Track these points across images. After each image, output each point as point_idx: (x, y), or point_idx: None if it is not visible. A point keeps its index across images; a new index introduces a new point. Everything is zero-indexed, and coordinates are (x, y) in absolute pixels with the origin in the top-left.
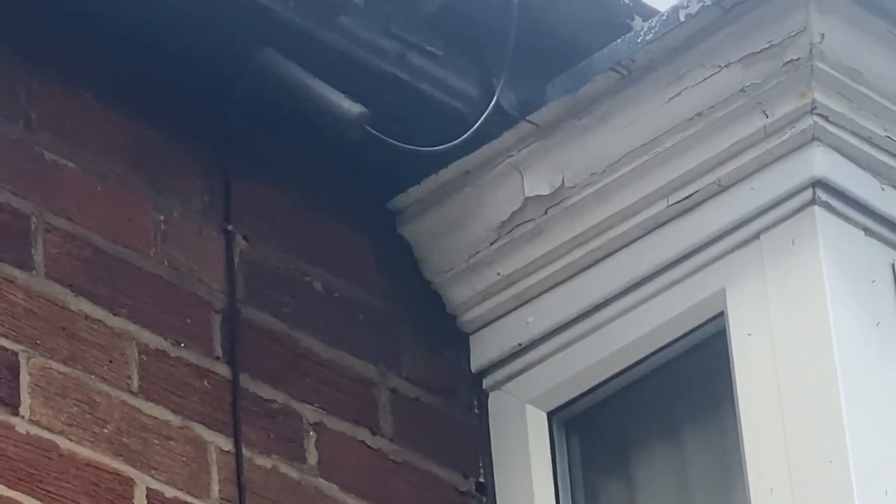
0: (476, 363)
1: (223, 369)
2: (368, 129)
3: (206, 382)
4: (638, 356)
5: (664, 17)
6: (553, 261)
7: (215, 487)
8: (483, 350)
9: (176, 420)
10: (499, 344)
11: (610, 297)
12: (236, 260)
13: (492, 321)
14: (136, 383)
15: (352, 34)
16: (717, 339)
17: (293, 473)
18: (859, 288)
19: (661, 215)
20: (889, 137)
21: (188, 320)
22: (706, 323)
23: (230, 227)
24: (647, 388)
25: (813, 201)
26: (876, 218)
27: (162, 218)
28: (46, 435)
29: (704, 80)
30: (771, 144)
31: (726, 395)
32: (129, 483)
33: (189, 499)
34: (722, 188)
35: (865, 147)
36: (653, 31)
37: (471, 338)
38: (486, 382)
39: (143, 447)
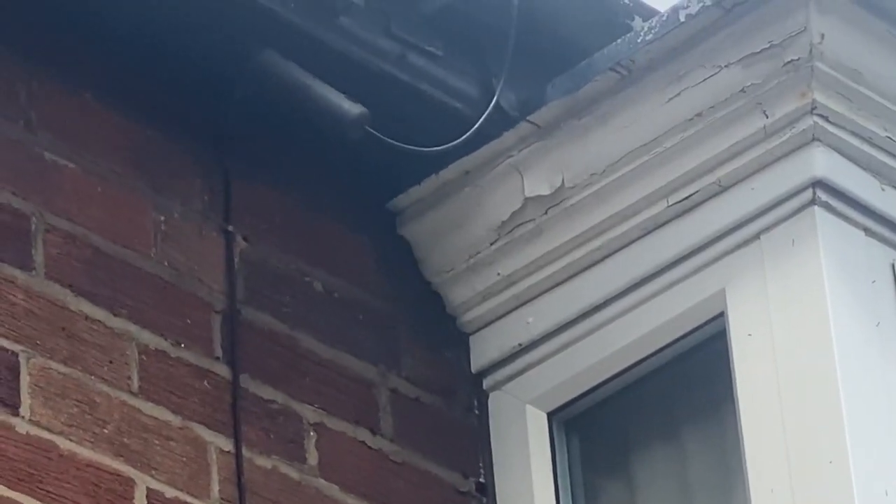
0: (476, 363)
1: (223, 370)
2: (368, 129)
3: (206, 383)
4: (638, 356)
5: (664, 18)
6: (553, 261)
7: (215, 488)
8: (483, 350)
9: (176, 420)
10: (499, 344)
11: (610, 297)
12: (236, 260)
13: (492, 321)
14: (136, 384)
15: (352, 35)
16: (718, 339)
17: (293, 474)
18: (859, 288)
19: (662, 215)
20: (889, 138)
21: (188, 321)
22: (706, 323)
23: (230, 228)
24: (647, 388)
25: (813, 201)
26: (876, 218)
27: (162, 218)
28: (46, 435)
29: (704, 80)
30: (771, 145)
31: (726, 396)
32: (129, 483)
33: (189, 499)
34: (722, 188)
35: (865, 147)
36: (653, 31)
37: (471, 338)
38: (486, 383)
39: (144, 447)
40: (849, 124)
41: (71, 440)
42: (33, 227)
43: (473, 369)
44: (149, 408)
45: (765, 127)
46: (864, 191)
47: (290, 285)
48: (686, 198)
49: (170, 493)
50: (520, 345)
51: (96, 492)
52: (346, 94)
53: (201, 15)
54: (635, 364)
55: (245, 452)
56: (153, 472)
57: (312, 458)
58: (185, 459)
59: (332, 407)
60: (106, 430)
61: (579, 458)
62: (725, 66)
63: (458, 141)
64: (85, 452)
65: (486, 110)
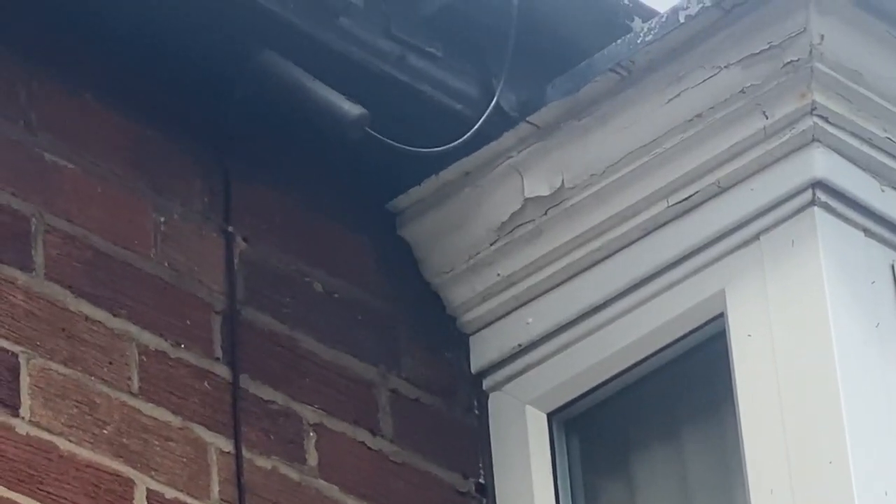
0: (476, 364)
1: (223, 370)
2: (368, 130)
3: (206, 383)
4: (638, 357)
5: (664, 19)
6: (553, 261)
7: (215, 488)
8: (483, 351)
9: (176, 421)
10: (499, 345)
11: (610, 297)
12: (236, 261)
13: (492, 322)
14: (136, 384)
15: (352, 35)
16: (717, 339)
17: (293, 474)
18: (859, 289)
19: (661, 216)
20: (889, 139)
21: (188, 321)
22: (706, 324)
23: (230, 228)
24: (647, 388)
25: (813, 202)
26: (876, 219)
27: (162, 219)
28: (46, 436)
29: (704, 81)
30: (771, 145)
31: (726, 396)
32: (129, 484)
33: (189, 500)
34: (722, 189)
35: (865, 148)
36: (652, 32)
37: (471, 338)
38: (486, 383)
39: (144, 448)
40: (848, 125)
41: (71, 441)
42: (33, 227)
43: (473, 370)
44: (149, 408)
45: (764, 128)
46: (864, 191)
47: (290, 286)
48: (686, 198)
49: (170, 493)
50: (520, 345)
51: (96, 492)
52: (346, 95)
53: (201, 15)
54: (635, 365)
55: (245, 453)
56: (153, 472)
57: (312, 458)
58: (185, 460)
59: (332, 407)
60: (106, 431)
61: (579, 458)
62: (725, 67)
63: (458, 142)
64: (85, 453)
65: (485, 111)
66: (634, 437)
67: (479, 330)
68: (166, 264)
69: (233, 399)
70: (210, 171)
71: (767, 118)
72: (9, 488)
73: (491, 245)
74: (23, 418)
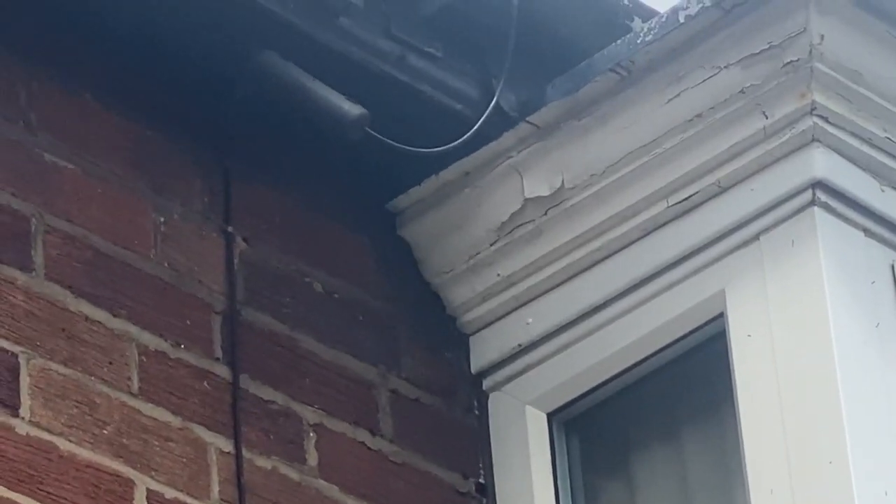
0: (476, 364)
1: (223, 370)
2: (368, 130)
3: (206, 384)
4: (638, 357)
5: (664, 19)
6: (553, 262)
7: (215, 489)
8: (483, 351)
9: (176, 421)
10: (499, 345)
11: (610, 298)
12: (236, 261)
13: (492, 322)
14: (136, 385)
15: (351, 36)
16: (717, 340)
17: (293, 474)
18: (859, 289)
19: (661, 216)
20: (889, 139)
21: (188, 321)
22: (706, 324)
23: (230, 229)
24: (647, 389)
25: (813, 202)
26: (876, 219)
27: (162, 219)
28: (46, 436)
29: (704, 81)
30: (771, 146)
31: (726, 397)
32: (129, 484)
33: (189, 500)
34: (722, 189)
35: (865, 148)
36: (652, 32)
37: (471, 339)
38: (486, 383)
39: (143, 448)
40: (848, 125)
41: (71, 441)
42: (33, 228)
43: (473, 370)
44: (149, 409)
45: (764, 128)
46: (864, 191)
47: (290, 286)
48: (686, 199)
49: (170, 493)
50: (519, 345)
51: (96, 493)
52: (346, 95)
53: (201, 16)
54: (635, 365)
55: (245, 453)
56: (153, 472)
57: (312, 458)
58: (185, 460)
59: (331, 407)
60: (106, 431)
61: (579, 458)
62: (725, 67)
63: (458, 142)
64: (85, 453)
65: (485, 111)
66: (634, 438)
67: (479, 330)
68: (166, 264)
69: (233, 399)
70: (210, 172)
71: (767, 118)
72: (9, 488)
73: (491, 245)
74: (23, 418)
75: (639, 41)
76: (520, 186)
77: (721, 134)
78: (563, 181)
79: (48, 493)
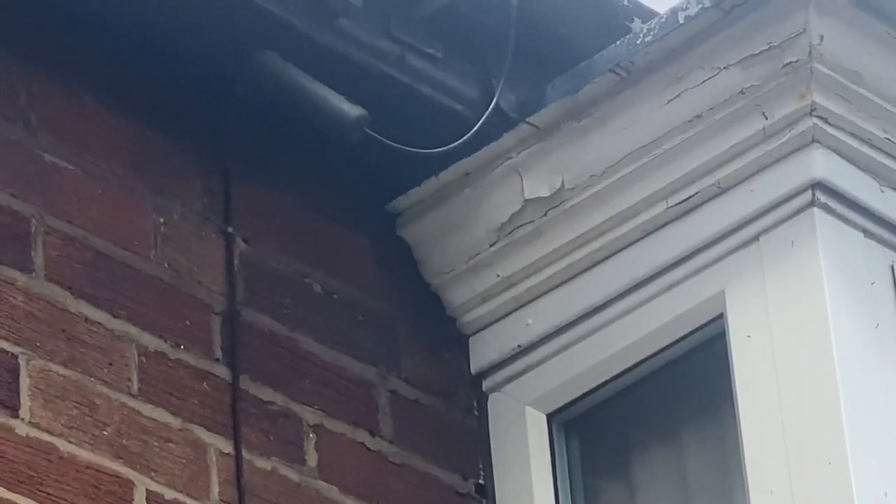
0: (476, 365)
1: (223, 371)
2: (368, 131)
3: (205, 384)
4: (638, 358)
5: (663, 19)
6: (553, 262)
7: (215, 489)
8: (483, 352)
9: (176, 422)
10: (498, 346)
11: (609, 298)
12: (236, 262)
13: (491, 323)
14: (135, 385)
15: (351, 36)
16: (717, 340)
17: (293, 475)
18: (859, 290)
19: (661, 217)
20: (888, 139)
21: (188, 322)
22: (706, 325)
23: (230, 229)
24: (646, 389)
25: (812, 203)
26: (875, 220)
27: (162, 220)
28: (46, 437)
29: (704, 81)
30: (770, 146)
31: (726, 397)
32: (128, 485)
33: (189, 501)
34: (721, 190)
35: (865, 149)
36: (652, 32)
37: (470, 339)
38: (485, 384)
39: (143, 449)
40: (848, 126)
41: (71, 442)
42: (33, 228)
43: (473, 371)
44: (148, 409)
45: (764, 128)
46: (864, 192)
47: (290, 287)
48: (685, 199)
49: (169, 494)
50: (519, 346)
51: (96, 494)
52: (346, 96)
53: (201, 16)
54: (635, 365)
55: (245, 454)
56: (153, 473)
57: (312, 459)
58: (184, 461)
59: (331, 408)
60: (106, 432)
61: (579, 459)
62: (725, 68)
63: (458, 142)
64: (85, 454)
65: (485, 112)
66: (634, 438)
67: (478, 331)
68: (166, 265)
69: (232, 400)
70: (210, 172)
71: (767, 119)
72: (9, 489)
73: (491, 246)
74: (22, 419)
75: (638, 42)
76: (520, 187)
77: (721, 135)
78: (562, 182)
79: (48, 493)
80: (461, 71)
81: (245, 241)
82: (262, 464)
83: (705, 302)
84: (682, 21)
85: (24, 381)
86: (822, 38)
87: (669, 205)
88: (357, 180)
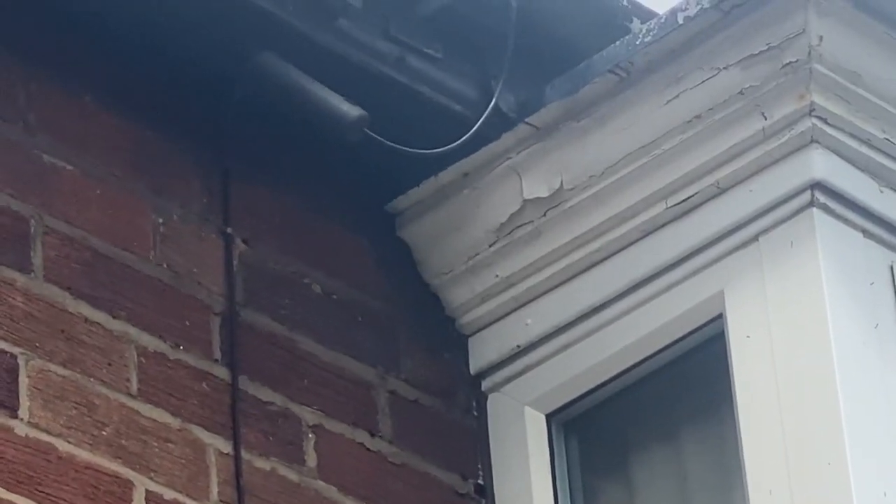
0: (475, 365)
1: (222, 372)
2: (367, 131)
3: (205, 385)
4: (637, 358)
5: (663, 20)
6: (552, 263)
7: (214, 490)
8: (482, 352)
9: (175, 422)
10: (498, 346)
11: (609, 299)
12: (235, 262)
13: (491, 323)
14: (135, 386)
15: (350, 37)
16: (716, 341)
17: (292, 476)
18: (858, 290)
19: (660, 217)
20: (888, 140)
21: (187, 323)
22: (705, 325)
23: (229, 230)
24: (646, 390)
25: (811, 203)
26: (874, 220)
27: (161, 220)
28: (45, 437)
29: (703, 82)
30: (769, 147)
31: (725, 398)
32: (127, 485)
33: (188, 501)
34: (721, 190)
35: (864, 149)
36: (651, 33)
37: (470, 340)
38: (484, 384)
39: (142, 449)
40: (847, 126)
41: (70, 442)
42: (32, 229)
43: (472, 371)
44: (148, 410)
45: (763, 129)
46: (863, 193)
47: (289, 287)
48: (685, 200)
49: (168, 495)
50: (518, 346)
51: (95, 494)
52: (345, 97)
53: (200, 17)
54: (634, 366)
55: (244, 454)
56: (152, 474)
57: (311, 459)
58: (183, 461)
59: (330, 409)
60: (105, 433)
61: (578, 459)
62: (724, 69)
63: (457, 143)
64: (84, 454)
65: (484, 112)
66: (633, 439)
67: (478, 331)
68: (165, 266)
69: (232, 400)
70: (209, 173)
71: (766, 119)
72: (8, 490)
73: (490, 246)
74: (22, 420)
75: (638, 42)
76: (519, 187)
77: (720, 135)
78: (562, 182)
79: (47, 494)
80: (460, 71)
81: (244, 241)
82: (262, 464)
83: (704, 302)
84: (681, 21)
85: (24, 382)
86: (821, 38)
87: (669, 205)
88: (356, 181)
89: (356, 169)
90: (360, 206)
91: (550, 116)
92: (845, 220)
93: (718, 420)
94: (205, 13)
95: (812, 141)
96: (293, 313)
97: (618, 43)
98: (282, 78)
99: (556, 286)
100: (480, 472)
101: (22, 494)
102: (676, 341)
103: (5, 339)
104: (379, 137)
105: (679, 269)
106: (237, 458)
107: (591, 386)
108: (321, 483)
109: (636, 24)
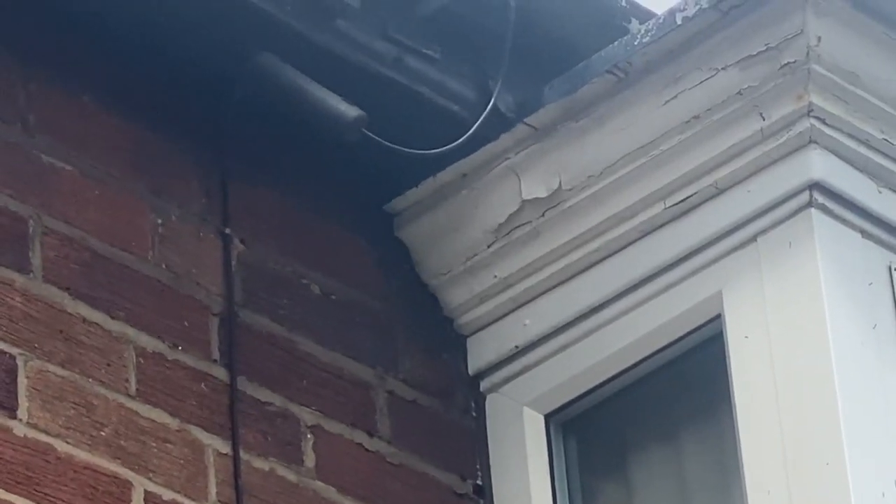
0: (473, 365)
1: (221, 372)
2: (366, 131)
3: (203, 385)
4: (635, 358)
5: (661, 20)
6: (550, 263)
7: (213, 490)
8: (480, 352)
9: (173, 423)
10: (496, 346)
11: (607, 299)
12: (234, 263)
13: (489, 323)
14: (133, 386)
15: (349, 37)
16: (715, 341)
17: (291, 476)
18: (856, 290)
19: (659, 218)
20: (886, 140)
21: (186, 323)
22: (703, 325)
23: (228, 230)
24: (644, 390)
25: (810, 204)
26: (873, 220)
27: (160, 221)
28: (44, 438)
29: (701, 82)
30: (768, 147)
31: (723, 398)
32: (126, 486)
33: (187, 501)
34: (719, 191)
35: (862, 150)
36: (650, 33)
37: (468, 340)
38: (483, 385)
39: (141, 450)
40: (845, 126)
41: (68, 443)
42: (31, 229)
43: (471, 371)
44: (146, 410)
45: (762, 129)
46: (861, 193)
47: (288, 288)
48: (683, 200)
49: (167, 495)
50: (517, 347)
51: (94, 494)
52: (344, 97)
53: (199, 18)
54: (633, 366)
55: (242, 454)
56: (151, 474)
57: (310, 460)
58: (182, 462)
59: (329, 409)
60: (103, 433)
61: (577, 460)
62: (722, 69)
63: (456, 143)
64: (82, 455)
65: (483, 112)
66: (632, 439)
67: (476, 331)
68: (164, 266)
69: (230, 401)
70: (208, 173)
71: (765, 120)
72: (6, 490)
73: (488, 247)
74: (20, 420)
75: (636, 43)
76: (517, 188)
77: (718, 135)
78: (560, 183)
79: (46, 494)
80: (459, 72)
81: (243, 241)
82: (260, 464)
83: (703, 302)
84: (679, 22)
85: (22, 382)
86: (819, 39)
87: (667, 205)
88: (355, 181)
89: (355, 169)
90: (358, 207)
91: (549, 117)
92: (844, 221)
93: (717, 420)
94: (204, 14)
95: (810, 141)
96: (292, 314)
97: (616, 43)
98: (280, 78)
99: (555, 286)
100: (479, 473)
101: (21, 495)
102: (675, 342)
103: (4, 340)
104: (377, 138)
105: (677, 269)
106: (236, 458)
107: (590, 386)
108: (320, 483)
109: (634, 25)
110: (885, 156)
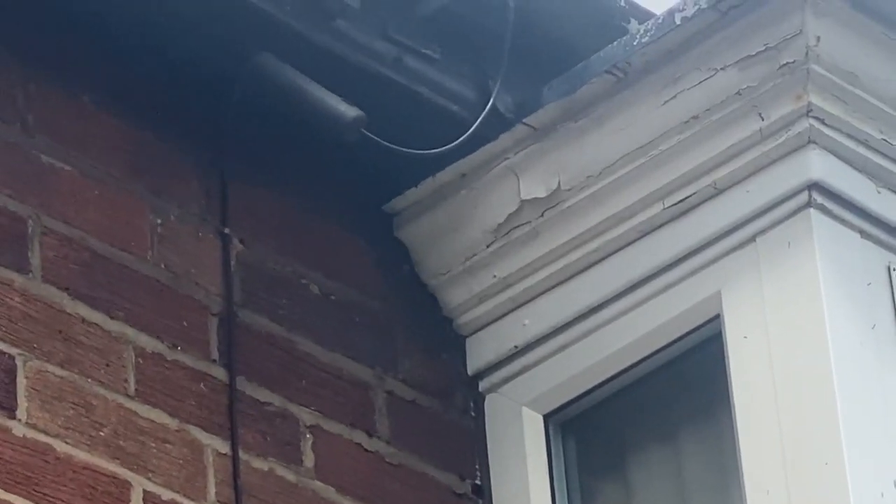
0: (472, 366)
1: (220, 372)
2: (365, 132)
3: (202, 385)
4: (634, 359)
5: (660, 20)
6: (549, 263)
7: (212, 490)
8: (479, 352)
9: (173, 423)
10: (495, 346)
11: (606, 299)
12: (233, 263)
13: (488, 323)
14: (132, 386)
15: (348, 38)
16: (714, 341)
17: (290, 476)
18: (855, 291)
19: (658, 218)
20: (885, 140)
21: (185, 323)
22: (702, 325)
23: (227, 230)
24: (643, 390)
25: (809, 204)
26: (872, 220)
27: (159, 221)
28: (43, 438)
29: (700, 82)
30: (767, 147)
31: (722, 398)
32: (125, 486)
33: (186, 502)
34: (718, 191)
35: (861, 150)
36: (649, 33)
37: (467, 340)
38: (482, 385)
39: (140, 450)
40: (844, 127)
41: (67, 443)
42: (30, 229)
43: (470, 371)
44: (145, 410)
45: (761, 129)
46: (860, 193)
47: (287, 288)
48: (682, 200)
49: (166, 495)
50: (516, 347)
51: (93, 494)
52: (343, 97)
53: (198, 18)
54: (632, 366)
55: (242, 455)
56: (150, 474)
57: (309, 460)
58: (181, 462)
59: (328, 409)
60: (103, 433)
61: (575, 460)
62: (721, 69)
63: (455, 143)
64: (82, 455)
65: (482, 113)
66: (631, 439)
67: (475, 331)
68: (163, 266)
69: (229, 401)
70: (207, 173)
71: (763, 120)
72: (6, 490)
73: (487, 247)
74: (19, 420)
75: (635, 43)
76: (516, 188)
77: (717, 135)
78: (559, 183)
79: (45, 494)
80: (458, 72)
81: (242, 242)
82: (259, 464)
83: (702, 303)
84: (678, 22)
85: (21, 382)
86: (818, 39)
87: (666, 206)
88: (354, 181)
89: (354, 169)
90: (357, 207)
91: (548, 117)
92: (842, 221)
93: (716, 420)
94: (203, 14)
95: (809, 141)
96: (291, 314)
97: (615, 43)
98: (280, 78)
99: (554, 287)
100: (478, 473)
101: (20, 495)
102: (674, 342)
103: (3, 340)
104: (376, 138)
105: (676, 269)
106: (235, 458)
107: (589, 386)
108: (319, 483)
109: (633, 25)
110: (884, 156)
